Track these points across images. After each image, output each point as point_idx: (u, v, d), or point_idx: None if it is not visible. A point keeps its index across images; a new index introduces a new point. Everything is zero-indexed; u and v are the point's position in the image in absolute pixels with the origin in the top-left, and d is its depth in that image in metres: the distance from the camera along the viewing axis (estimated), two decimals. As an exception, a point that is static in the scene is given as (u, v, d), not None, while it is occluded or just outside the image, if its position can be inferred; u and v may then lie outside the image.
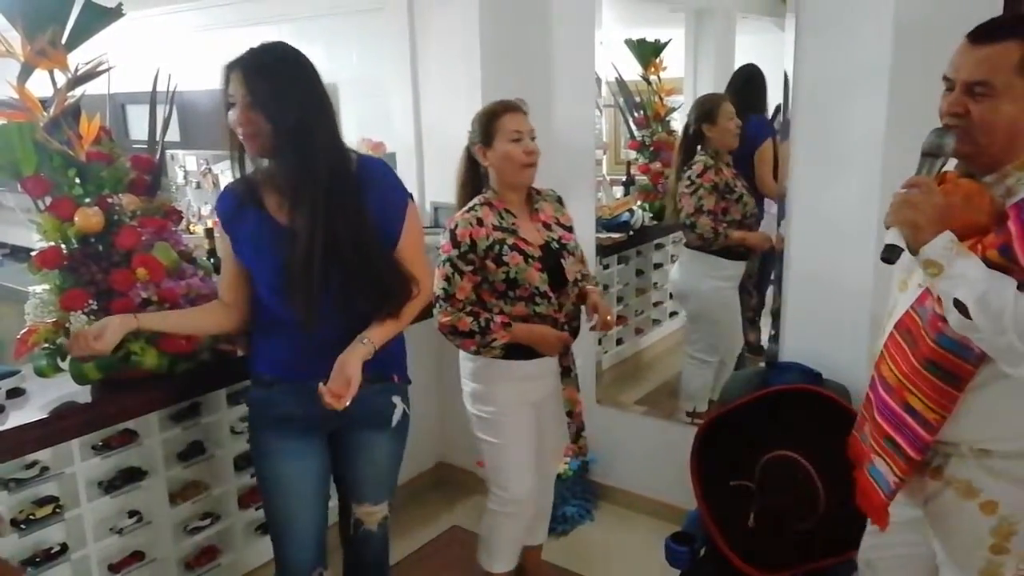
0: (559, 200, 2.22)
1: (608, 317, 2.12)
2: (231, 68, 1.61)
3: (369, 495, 1.92)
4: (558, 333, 2.06)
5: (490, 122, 2.03)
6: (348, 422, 1.80)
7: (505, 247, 2.00)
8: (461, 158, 2.14)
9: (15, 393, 1.93)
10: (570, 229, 2.18)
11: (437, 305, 2.04)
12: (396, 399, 1.87)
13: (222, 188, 1.84)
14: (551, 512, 2.50)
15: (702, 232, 2.80)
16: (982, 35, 1.31)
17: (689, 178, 2.82)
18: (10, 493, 1.85)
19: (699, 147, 2.83)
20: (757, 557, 2.20)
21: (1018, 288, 1.23)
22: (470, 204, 2.07)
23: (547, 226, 2.11)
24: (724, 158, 2.81)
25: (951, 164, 1.42)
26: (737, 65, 2.96)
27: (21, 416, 1.82)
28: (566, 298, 2.09)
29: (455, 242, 2.01)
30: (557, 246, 2.09)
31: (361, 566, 2.01)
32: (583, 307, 2.20)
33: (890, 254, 1.34)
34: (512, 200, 2.08)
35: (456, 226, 2.02)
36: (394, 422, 1.87)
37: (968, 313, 1.24)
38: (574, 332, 2.15)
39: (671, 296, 3.44)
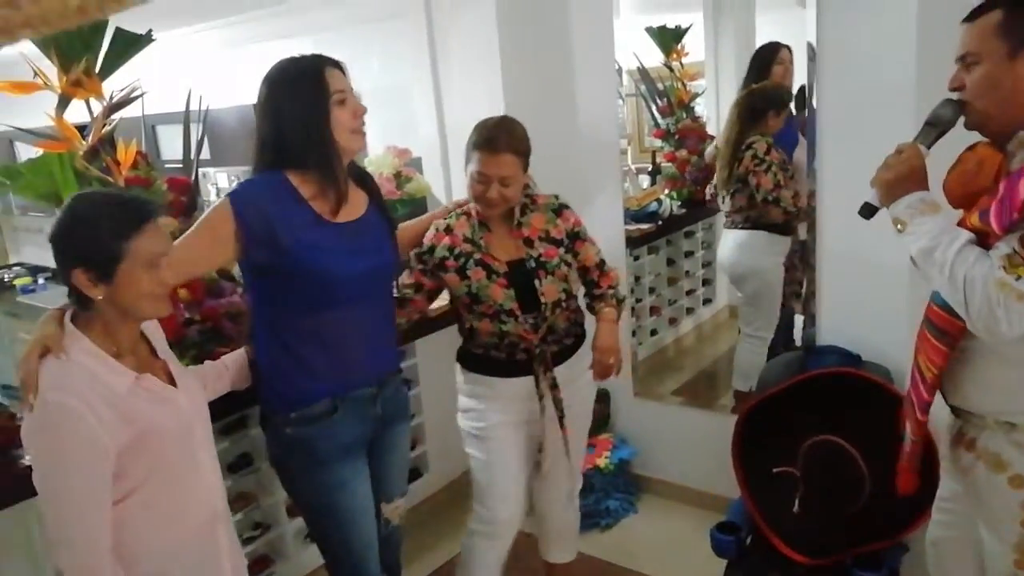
0: (557, 209, 2.02)
1: (610, 360, 1.94)
2: (334, 63, 1.63)
3: (398, 489, 1.92)
4: None
5: (470, 148, 1.91)
6: (384, 422, 1.81)
7: (471, 261, 1.92)
8: None
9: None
10: (562, 242, 1.98)
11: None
12: (405, 388, 1.94)
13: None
14: (578, 525, 2.33)
15: (786, 206, 2.77)
16: (972, 14, 1.38)
17: (758, 157, 2.77)
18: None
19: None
20: (804, 543, 2.19)
21: (982, 247, 1.29)
22: (453, 210, 2.02)
23: (528, 242, 1.96)
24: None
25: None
26: (759, 44, 2.93)
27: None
28: (545, 319, 1.94)
29: (421, 240, 1.99)
30: (534, 264, 1.94)
31: (384, 567, 1.94)
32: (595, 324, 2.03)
33: (865, 211, 1.46)
34: (487, 213, 1.95)
35: (433, 228, 1.99)
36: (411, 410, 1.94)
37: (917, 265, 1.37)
38: (566, 350, 2.01)
39: (704, 283, 3.43)
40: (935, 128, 1.43)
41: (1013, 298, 1.22)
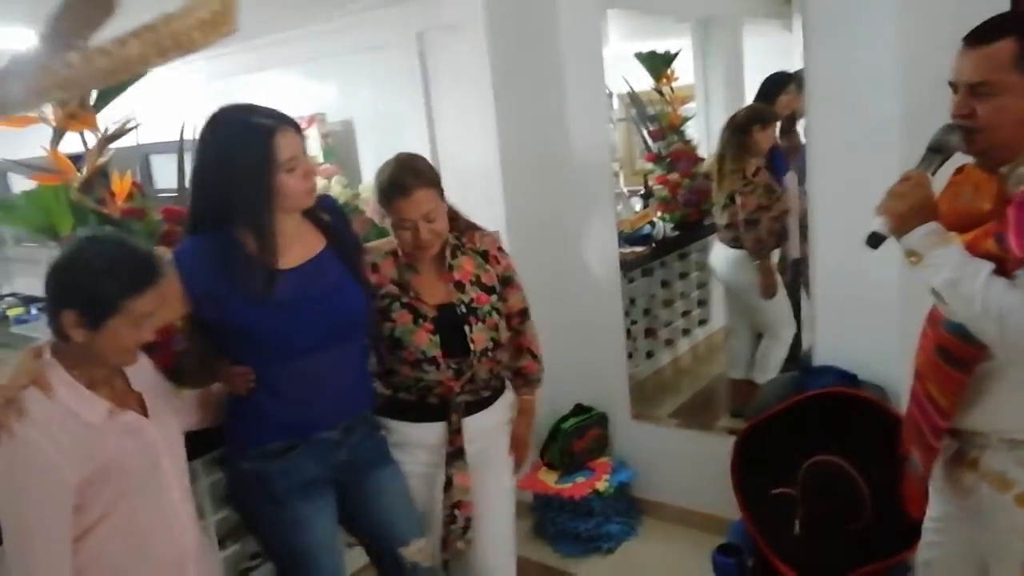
0: (484, 253, 1.94)
1: (523, 455, 2.03)
2: (287, 123, 1.55)
3: (411, 530, 1.83)
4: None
5: (381, 199, 1.82)
6: (356, 468, 1.76)
7: (396, 303, 1.83)
8: None
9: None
10: (493, 289, 1.91)
11: None
12: (382, 432, 1.87)
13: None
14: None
15: (760, 234, 2.83)
16: (978, 37, 1.35)
17: (746, 176, 2.84)
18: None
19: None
20: (806, 565, 2.18)
21: (1005, 276, 1.26)
22: (381, 247, 1.91)
23: (459, 286, 1.87)
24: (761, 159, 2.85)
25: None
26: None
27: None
28: (471, 366, 1.85)
29: None
30: (464, 310, 1.85)
31: None
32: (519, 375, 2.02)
33: (872, 241, 1.40)
34: (418, 255, 1.85)
35: None
36: (391, 453, 1.87)
37: (942, 298, 1.32)
38: (482, 401, 1.91)
39: (699, 304, 3.45)
40: (939, 155, 1.40)
41: None
